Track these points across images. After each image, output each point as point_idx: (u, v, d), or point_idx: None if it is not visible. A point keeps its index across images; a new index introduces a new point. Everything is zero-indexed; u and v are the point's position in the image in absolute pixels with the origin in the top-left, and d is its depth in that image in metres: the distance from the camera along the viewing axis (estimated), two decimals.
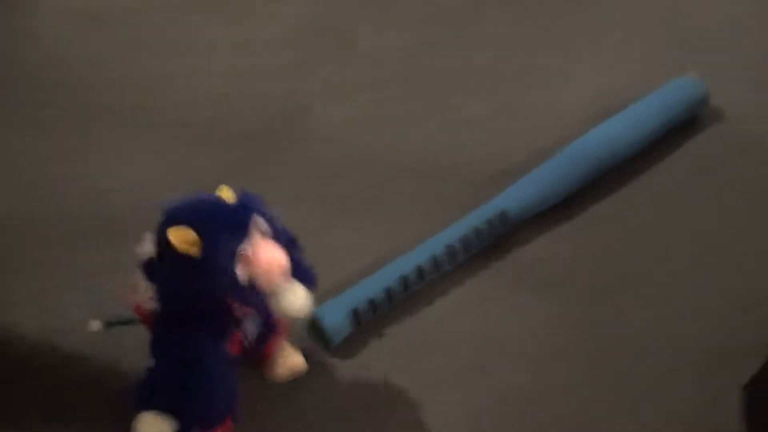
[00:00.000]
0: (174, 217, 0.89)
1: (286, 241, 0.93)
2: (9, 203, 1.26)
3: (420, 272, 1.12)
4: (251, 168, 1.29)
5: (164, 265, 0.90)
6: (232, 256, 0.87)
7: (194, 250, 0.86)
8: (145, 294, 0.93)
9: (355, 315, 1.08)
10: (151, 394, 0.93)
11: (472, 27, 1.53)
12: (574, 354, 1.08)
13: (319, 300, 1.02)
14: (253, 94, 1.42)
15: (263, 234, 0.90)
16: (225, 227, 0.88)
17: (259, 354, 1.03)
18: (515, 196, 1.19)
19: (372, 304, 1.09)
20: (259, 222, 0.90)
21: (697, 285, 1.15)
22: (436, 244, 1.14)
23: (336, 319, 1.07)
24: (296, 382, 1.06)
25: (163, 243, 0.88)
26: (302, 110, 1.39)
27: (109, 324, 1.01)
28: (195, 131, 1.37)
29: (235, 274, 0.88)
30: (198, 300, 0.91)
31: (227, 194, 0.91)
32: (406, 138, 1.34)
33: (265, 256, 0.89)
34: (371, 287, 1.10)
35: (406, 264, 1.12)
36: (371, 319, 1.10)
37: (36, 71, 1.47)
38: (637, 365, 1.07)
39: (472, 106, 1.39)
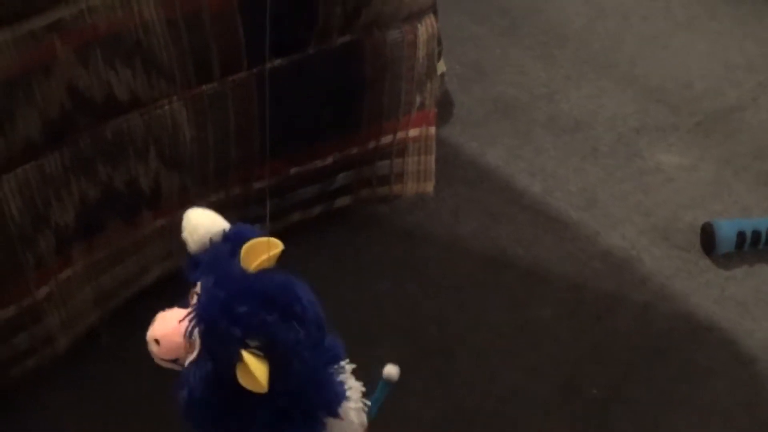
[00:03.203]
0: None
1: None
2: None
3: None
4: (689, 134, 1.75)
5: None
6: None
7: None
8: None
9: (740, 237, 1.49)
10: None
11: None
12: None
13: None
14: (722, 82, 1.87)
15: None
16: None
17: None
18: None
19: (756, 234, 1.48)
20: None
21: None
22: None
23: (726, 233, 1.49)
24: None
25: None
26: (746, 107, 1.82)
27: None
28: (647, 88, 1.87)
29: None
30: None
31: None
32: None
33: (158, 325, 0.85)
34: (759, 223, 1.50)
35: None
36: (750, 248, 1.50)
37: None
38: None
39: None
